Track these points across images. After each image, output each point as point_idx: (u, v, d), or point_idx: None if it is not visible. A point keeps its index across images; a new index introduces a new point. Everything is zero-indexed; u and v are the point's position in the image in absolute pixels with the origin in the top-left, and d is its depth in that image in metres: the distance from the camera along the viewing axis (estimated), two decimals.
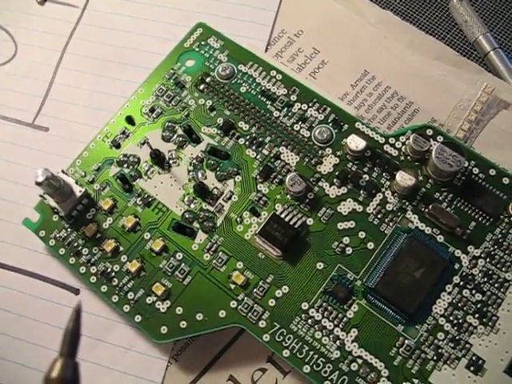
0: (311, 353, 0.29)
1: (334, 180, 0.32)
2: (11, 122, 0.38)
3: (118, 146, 0.34)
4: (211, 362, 0.31)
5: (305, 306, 0.30)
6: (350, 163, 0.32)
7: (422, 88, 0.36)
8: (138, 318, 0.30)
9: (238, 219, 0.31)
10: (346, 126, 0.33)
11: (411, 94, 0.36)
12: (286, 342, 0.29)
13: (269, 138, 0.33)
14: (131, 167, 0.33)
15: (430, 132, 0.32)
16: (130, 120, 0.34)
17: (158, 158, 0.33)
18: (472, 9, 0.39)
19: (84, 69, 0.39)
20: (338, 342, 0.29)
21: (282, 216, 0.31)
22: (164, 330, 0.30)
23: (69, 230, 0.32)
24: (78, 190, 0.32)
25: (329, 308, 0.29)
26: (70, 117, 0.38)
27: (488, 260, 0.30)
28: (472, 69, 0.37)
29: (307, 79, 0.37)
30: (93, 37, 0.40)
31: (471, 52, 0.39)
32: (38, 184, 0.30)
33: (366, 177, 0.32)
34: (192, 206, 0.32)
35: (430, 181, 0.31)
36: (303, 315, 0.29)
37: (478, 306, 0.29)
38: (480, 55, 0.38)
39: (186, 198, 0.32)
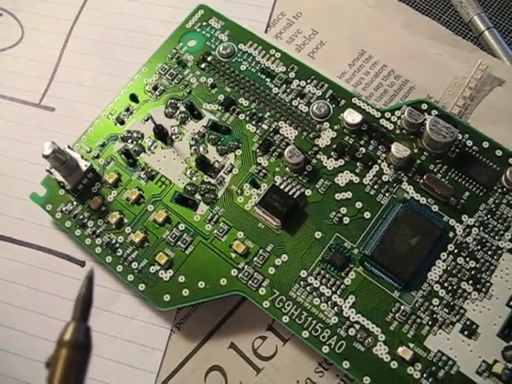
0: (310, 319, 0.30)
1: (332, 153, 0.33)
2: (19, 103, 0.39)
3: (122, 123, 0.35)
4: (213, 330, 0.32)
5: (303, 273, 0.30)
6: (347, 136, 0.33)
7: (417, 66, 0.37)
8: (141, 287, 0.31)
9: (239, 191, 0.32)
10: (343, 101, 0.34)
11: (407, 72, 0.37)
12: (285, 309, 0.30)
13: (268, 114, 0.34)
14: (135, 142, 0.34)
15: (424, 106, 0.33)
16: (133, 98, 0.35)
17: (161, 134, 0.34)
18: None
19: (89, 51, 0.40)
20: (335, 308, 0.30)
21: (281, 187, 0.32)
22: (167, 297, 0.31)
23: (75, 203, 0.33)
24: (84, 165, 0.33)
25: (327, 275, 0.30)
26: (76, 97, 0.39)
27: (481, 229, 0.31)
28: (467, 47, 0.38)
29: (306, 59, 0.37)
30: (97, 20, 0.41)
31: (466, 32, 0.40)
32: (45, 157, 0.31)
33: (363, 149, 0.33)
34: (194, 178, 0.33)
35: (424, 153, 0.32)
36: (302, 282, 0.30)
37: (472, 272, 0.30)
38: (475, 35, 0.39)
39: (188, 172, 0.33)
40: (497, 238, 0.30)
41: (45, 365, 0.22)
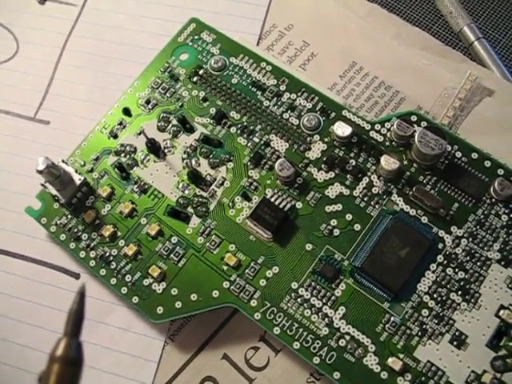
0: (301, 330, 0.30)
1: (322, 165, 0.33)
2: (14, 117, 0.39)
3: (115, 137, 0.35)
4: (206, 341, 0.33)
5: (294, 285, 0.31)
6: (337, 149, 0.33)
7: (408, 77, 0.38)
8: (135, 300, 0.32)
9: (230, 204, 0.33)
10: (333, 113, 0.34)
11: (398, 83, 0.38)
12: (276, 320, 0.30)
13: (259, 127, 0.34)
14: (128, 156, 0.35)
15: (414, 118, 0.34)
16: (126, 111, 0.36)
17: (153, 147, 0.34)
18: (457, 0, 0.41)
19: (83, 65, 0.40)
20: (326, 319, 0.30)
21: (272, 200, 0.32)
22: (160, 310, 0.31)
23: (69, 216, 0.34)
24: (78, 179, 0.33)
25: (317, 287, 0.31)
26: (70, 111, 0.39)
27: (470, 240, 0.31)
28: (456, 58, 0.38)
29: (297, 71, 0.38)
30: (91, 34, 0.41)
31: (456, 42, 0.40)
32: (39, 172, 0.32)
33: (353, 162, 0.33)
34: (186, 192, 0.33)
35: (414, 165, 0.33)
36: (293, 294, 0.31)
37: (461, 283, 0.30)
38: (465, 45, 0.40)
39: (181, 185, 0.34)
40: (486, 248, 0.31)
41: (37, 380, 0.23)
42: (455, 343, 0.29)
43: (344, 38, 0.39)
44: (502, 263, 0.30)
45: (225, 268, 0.31)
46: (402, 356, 0.29)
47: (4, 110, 0.40)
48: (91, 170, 0.35)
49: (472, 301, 0.30)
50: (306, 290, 0.31)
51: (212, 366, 0.32)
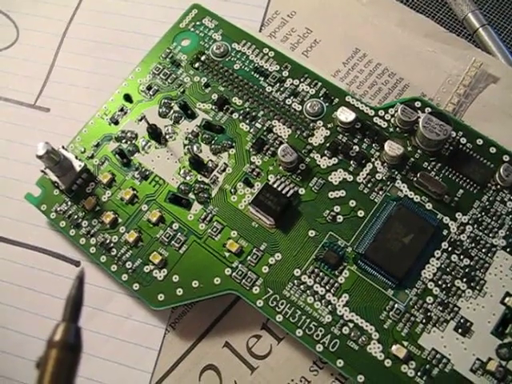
0: (303, 317, 0.30)
1: (325, 151, 0.33)
2: (14, 104, 0.39)
3: (116, 123, 0.35)
4: (207, 329, 0.32)
5: (297, 272, 0.30)
6: (341, 135, 0.33)
7: (412, 64, 0.37)
8: (136, 287, 0.31)
9: (232, 190, 0.32)
10: (337, 99, 0.34)
11: (401, 70, 0.37)
12: (279, 308, 0.30)
13: (262, 113, 0.34)
14: (129, 142, 0.34)
15: (418, 104, 0.33)
16: (127, 98, 0.36)
17: (154, 133, 0.34)
18: None
19: (83, 52, 0.40)
20: (329, 306, 0.30)
21: (275, 186, 0.32)
22: (161, 297, 0.31)
23: (69, 203, 0.33)
24: (78, 165, 0.33)
25: (320, 274, 0.30)
26: (71, 98, 0.39)
27: (476, 226, 0.31)
28: (461, 45, 0.37)
29: (300, 58, 0.37)
30: (92, 21, 0.41)
31: (461, 29, 0.40)
32: (39, 157, 0.31)
33: (356, 148, 0.33)
34: (188, 178, 0.33)
35: (418, 151, 0.32)
36: (295, 281, 0.30)
37: (466, 270, 0.30)
38: (469, 32, 0.39)
39: (182, 171, 0.33)
40: (491, 235, 0.30)
41: (35, 365, 0.22)
42: (460, 331, 0.29)
43: (347, 25, 0.39)
44: (508, 250, 0.30)
45: (227, 255, 0.31)
46: (406, 344, 0.29)
47: (4, 97, 0.39)
48: (92, 157, 0.34)
49: (477, 288, 0.29)
50: (309, 276, 0.30)
51: (213, 354, 0.32)
